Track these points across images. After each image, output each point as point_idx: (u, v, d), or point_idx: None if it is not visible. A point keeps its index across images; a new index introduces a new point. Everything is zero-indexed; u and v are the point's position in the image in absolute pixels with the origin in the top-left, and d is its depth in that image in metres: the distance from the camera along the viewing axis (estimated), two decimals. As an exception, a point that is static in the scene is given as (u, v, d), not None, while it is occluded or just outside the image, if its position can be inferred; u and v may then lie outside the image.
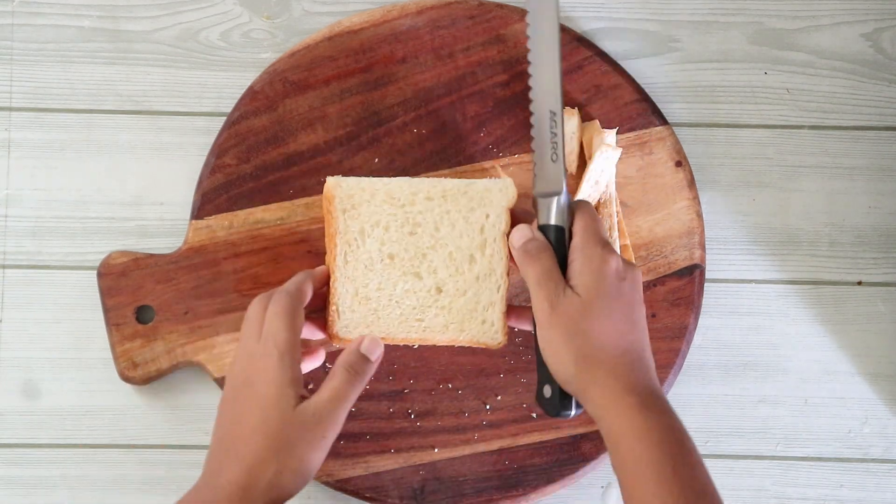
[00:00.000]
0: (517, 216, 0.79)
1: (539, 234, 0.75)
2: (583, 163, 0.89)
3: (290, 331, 0.74)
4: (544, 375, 0.74)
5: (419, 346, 0.88)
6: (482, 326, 0.81)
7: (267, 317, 0.75)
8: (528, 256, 0.74)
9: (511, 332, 0.88)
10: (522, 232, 0.76)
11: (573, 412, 0.74)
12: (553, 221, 0.75)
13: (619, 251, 0.87)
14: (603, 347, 0.71)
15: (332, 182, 0.82)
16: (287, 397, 0.72)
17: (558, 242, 0.75)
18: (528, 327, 0.80)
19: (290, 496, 0.72)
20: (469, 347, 0.87)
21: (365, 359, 0.76)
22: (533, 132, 0.78)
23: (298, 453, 0.72)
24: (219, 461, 0.73)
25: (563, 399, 0.74)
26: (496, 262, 0.81)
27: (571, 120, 0.88)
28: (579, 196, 0.87)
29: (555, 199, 0.75)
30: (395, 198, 0.81)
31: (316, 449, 0.73)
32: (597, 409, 0.71)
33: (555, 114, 0.77)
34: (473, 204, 0.81)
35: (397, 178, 0.81)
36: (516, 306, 0.81)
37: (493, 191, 0.81)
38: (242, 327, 0.77)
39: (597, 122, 0.89)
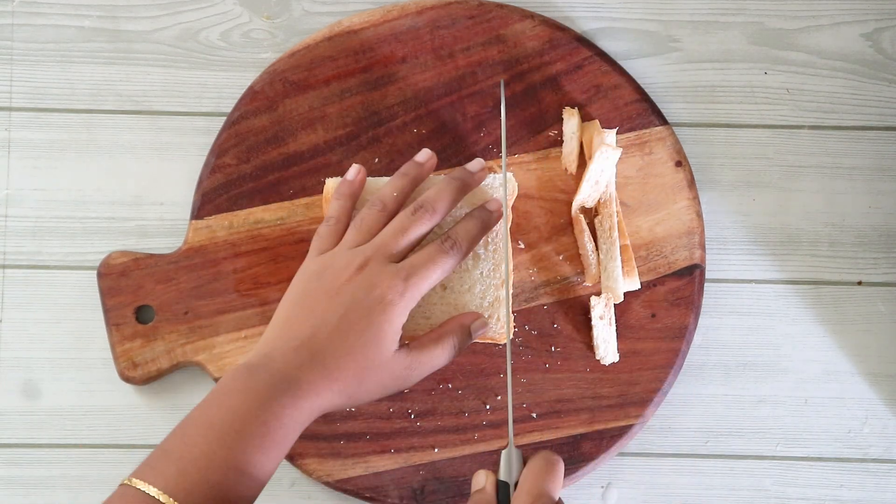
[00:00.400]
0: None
1: (489, 485, 0.70)
2: (583, 163, 0.89)
3: (433, 284, 0.77)
4: None
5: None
6: (488, 322, 0.81)
7: (421, 255, 0.77)
8: None
9: (515, 329, 0.88)
10: (478, 480, 0.71)
11: None
12: (501, 477, 0.71)
13: (618, 251, 0.87)
14: None
15: (331, 183, 0.82)
16: (395, 343, 0.75)
17: (504, 496, 0.70)
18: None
19: (331, 408, 0.75)
20: (469, 347, 0.87)
21: (470, 336, 0.79)
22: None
23: (373, 392, 0.75)
24: (300, 355, 0.73)
25: None
26: (500, 258, 0.81)
27: (571, 120, 0.88)
28: (579, 196, 0.87)
29: (503, 455, 0.70)
30: None
31: (384, 391, 0.76)
32: None
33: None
34: (475, 200, 0.81)
35: None
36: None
37: (495, 186, 0.81)
38: (373, 217, 0.79)
39: (597, 122, 0.89)
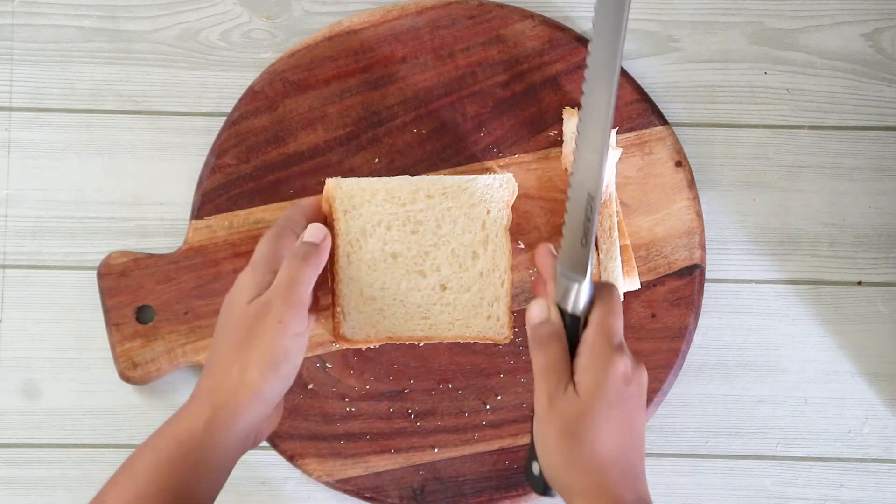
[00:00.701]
0: (539, 268, 0.76)
1: (555, 316, 0.71)
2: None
3: (268, 245, 0.75)
4: (535, 453, 0.73)
5: (420, 345, 0.88)
6: (487, 322, 0.81)
7: (282, 275, 0.74)
8: (537, 342, 0.71)
9: (511, 331, 0.88)
10: (539, 309, 0.72)
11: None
12: (569, 308, 0.71)
13: (618, 251, 0.87)
14: (594, 455, 0.68)
15: (331, 183, 0.82)
16: (246, 296, 0.72)
17: (572, 329, 0.72)
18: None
19: (262, 393, 0.71)
20: (469, 347, 0.87)
21: (308, 244, 0.75)
22: (568, 205, 0.74)
23: (257, 343, 0.71)
24: (197, 387, 0.73)
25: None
26: (499, 258, 0.81)
27: (571, 120, 0.88)
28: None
29: (575, 286, 0.71)
30: (396, 197, 0.81)
31: (272, 336, 0.71)
32: None
33: (593, 198, 0.72)
34: (474, 200, 0.81)
35: (397, 177, 0.82)
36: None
37: (494, 186, 0.81)
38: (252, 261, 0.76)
39: (597, 122, 0.89)
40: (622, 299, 0.87)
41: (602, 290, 0.72)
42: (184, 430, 0.70)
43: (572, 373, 0.70)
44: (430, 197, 0.81)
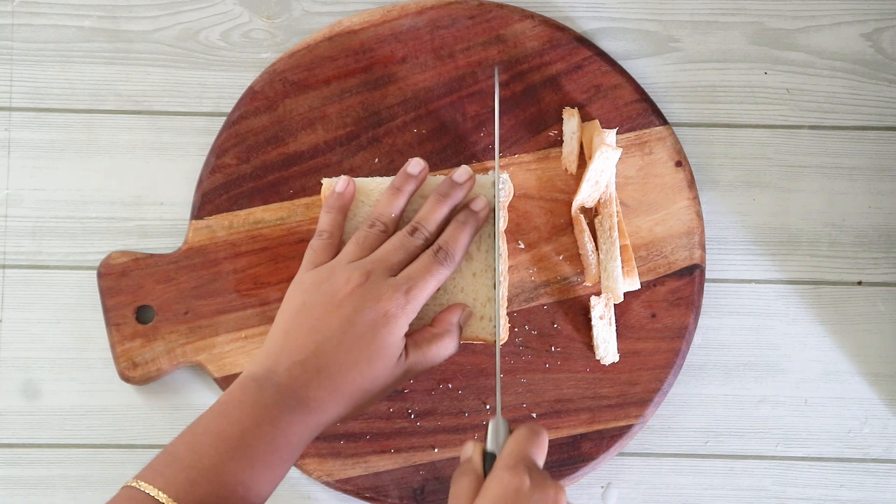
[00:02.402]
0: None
1: (476, 454, 0.70)
2: (583, 162, 0.89)
3: (430, 292, 0.78)
4: None
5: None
6: (481, 322, 0.81)
7: (419, 267, 0.78)
8: (454, 477, 0.70)
9: (511, 331, 0.88)
10: (466, 449, 0.71)
11: None
12: (489, 447, 0.71)
13: (618, 251, 0.87)
14: None
15: (328, 183, 0.82)
16: (397, 353, 0.76)
17: (490, 466, 0.70)
18: None
19: (338, 418, 0.76)
20: (469, 347, 0.87)
21: (461, 330, 0.80)
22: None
23: (377, 400, 0.77)
24: (307, 371, 0.74)
25: None
26: (492, 259, 0.81)
27: (571, 120, 0.88)
28: (579, 196, 0.87)
29: (491, 425, 0.71)
30: None
31: (385, 397, 0.79)
32: None
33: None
34: (473, 193, 0.81)
35: (392, 176, 0.82)
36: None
37: (488, 186, 0.81)
38: (372, 235, 0.80)
39: (597, 122, 0.89)
40: (622, 299, 0.87)
41: (520, 426, 0.71)
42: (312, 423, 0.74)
43: None
44: (423, 197, 0.81)
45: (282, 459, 0.72)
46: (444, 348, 0.79)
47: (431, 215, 0.80)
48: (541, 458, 0.69)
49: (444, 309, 0.81)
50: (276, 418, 0.72)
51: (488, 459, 0.70)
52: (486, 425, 0.71)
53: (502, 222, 0.80)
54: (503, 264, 0.80)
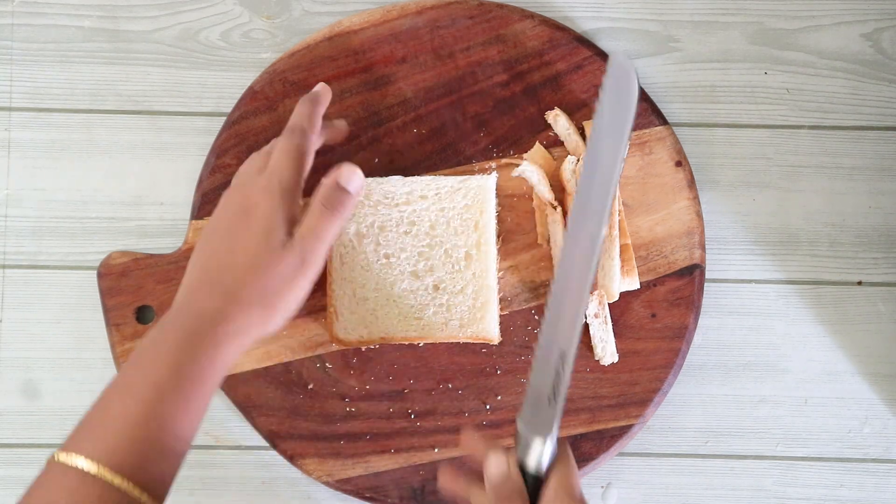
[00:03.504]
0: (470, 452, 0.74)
1: (515, 475, 0.68)
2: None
3: (295, 171, 0.75)
4: None
5: (420, 345, 0.88)
6: (481, 323, 0.81)
7: (274, 152, 0.76)
8: (497, 499, 0.68)
9: (511, 331, 0.88)
10: (499, 468, 0.68)
11: None
12: (531, 467, 0.68)
13: (617, 250, 0.87)
14: None
15: (327, 182, 0.82)
16: (279, 232, 0.73)
17: (533, 485, 0.69)
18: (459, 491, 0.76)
19: (267, 334, 0.73)
20: (469, 347, 0.87)
21: (342, 190, 0.75)
22: (536, 358, 0.70)
23: (282, 290, 0.72)
24: (201, 288, 0.73)
25: None
26: (492, 259, 0.81)
27: (559, 120, 0.88)
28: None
29: (538, 443, 0.68)
30: (390, 198, 0.81)
31: (297, 287, 0.73)
32: None
33: (565, 355, 0.69)
34: (468, 201, 0.82)
35: (391, 177, 0.82)
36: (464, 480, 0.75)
37: (486, 187, 0.81)
38: (250, 158, 0.78)
39: (597, 122, 0.89)
40: (616, 298, 0.87)
41: (562, 448, 0.70)
42: (199, 344, 0.70)
43: None
44: (423, 198, 0.82)
45: (196, 388, 0.69)
46: (321, 225, 0.74)
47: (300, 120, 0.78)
48: (580, 486, 0.69)
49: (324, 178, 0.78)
50: (181, 347, 0.69)
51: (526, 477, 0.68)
52: (516, 432, 0.68)
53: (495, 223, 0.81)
54: (499, 263, 0.80)
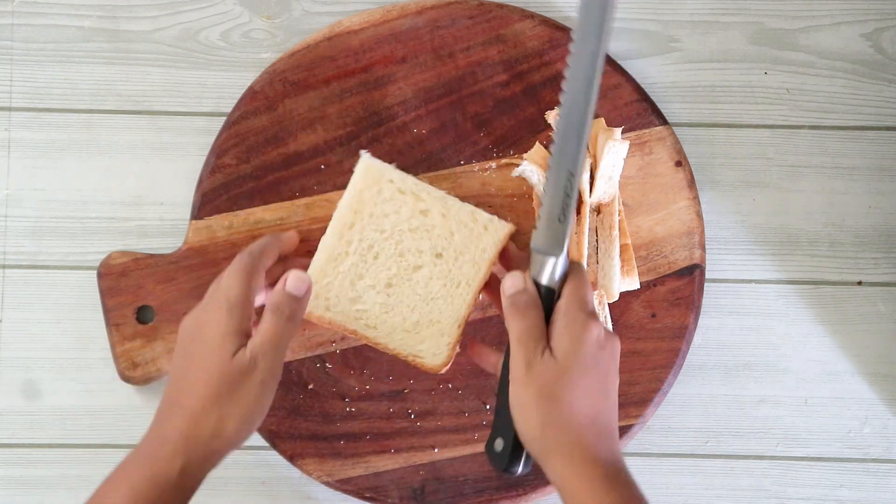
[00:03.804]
0: (512, 258, 0.79)
1: (531, 287, 0.73)
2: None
3: (243, 286, 0.74)
4: (500, 427, 0.74)
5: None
6: (424, 346, 0.80)
7: (224, 273, 0.76)
8: (514, 309, 0.73)
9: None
10: (514, 281, 0.74)
11: (520, 470, 0.74)
12: (544, 282, 0.73)
13: (617, 250, 0.87)
14: (572, 414, 0.70)
15: (366, 161, 0.80)
16: (228, 344, 0.73)
17: (547, 300, 0.73)
18: (488, 368, 0.80)
19: (235, 445, 0.73)
20: (468, 346, 0.87)
21: (292, 297, 0.75)
22: (547, 182, 0.75)
23: (239, 399, 0.72)
24: (165, 413, 0.73)
25: (512, 455, 0.73)
26: (459, 302, 0.80)
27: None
28: (595, 194, 0.87)
29: (551, 261, 0.73)
30: (404, 198, 0.80)
31: (256, 395, 0.73)
32: (558, 477, 0.70)
33: (573, 175, 0.74)
34: (473, 236, 0.80)
35: (419, 183, 0.80)
36: (480, 345, 0.80)
37: (478, 231, 0.80)
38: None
39: (601, 119, 0.89)
40: (616, 298, 0.87)
41: (572, 264, 0.75)
42: (159, 475, 0.71)
43: (548, 339, 0.72)
44: (424, 213, 0.80)
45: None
46: (272, 334, 0.74)
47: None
48: (593, 300, 0.74)
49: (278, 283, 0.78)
50: (152, 481, 0.71)
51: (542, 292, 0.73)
52: (530, 255, 0.73)
53: (483, 275, 0.80)
54: (467, 308, 0.80)
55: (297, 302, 0.76)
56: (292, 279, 0.76)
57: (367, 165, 0.80)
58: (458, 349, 0.80)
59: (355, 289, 0.80)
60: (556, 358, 0.71)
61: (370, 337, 0.80)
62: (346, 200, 0.80)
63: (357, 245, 0.80)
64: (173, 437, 0.72)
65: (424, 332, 0.80)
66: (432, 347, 0.80)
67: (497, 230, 0.80)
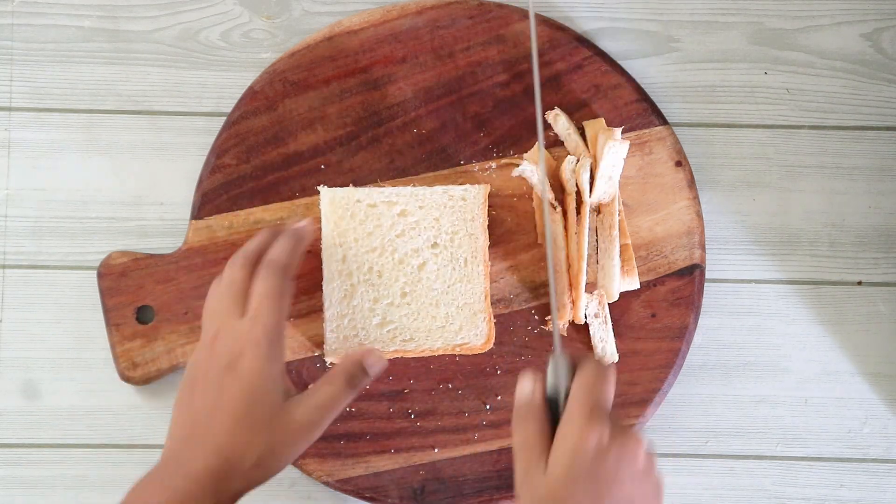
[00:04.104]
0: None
1: (538, 394, 0.68)
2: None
3: (279, 313, 0.72)
4: None
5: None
6: (463, 333, 0.81)
7: (255, 296, 0.72)
8: (515, 420, 0.68)
9: (511, 331, 0.88)
10: (524, 387, 0.69)
11: None
12: (550, 388, 0.68)
13: (617, 250, 0.87)
14: None
15: (325, 192, 0.82)
16: (276, 393, 0.70)
17: (555, 404, 0.68)
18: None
19: (256, 486, 0.71)
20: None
21: (364, 372, 0.73)
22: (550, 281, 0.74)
23: (280, 452, 0.70)
24: (190, 446, 0.70)
25: None
26: (482, 270, 0.80)
27: (559, 119, 0.88)
28: (595, 194, 0.87)
29: (550, 364, 0.68)
30: (379, 214, 0.82)
31: (297, 451, 0.71)
32: None
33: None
34: (454, 216, 0.82)
35: (369, 188, 0.82)
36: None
37: (474, 199, 0.81)
38: (218, 291, 0.74)
39: (601, 119, 0.89)
40: (616, 298, 0.87)
41: (583, 360, 0.69)
42: None
43: (550, 449, 0.67)
44: (404, 214, 0.82)
45: None
46: (331, 397, 0.72)
47: (280, 253, 0.75)
48: (610, 401, 0.66)
49: (350, 353, 0.76)
50: None
51: (549, 401, 0.67)
52: (546, 365, 0.68)
53: (483, 238, 0.81)
54: (482, 277, 0.80)
55: (366, 378, 0.73)
56: (372, 358, 0.73)
57: (331, 197, 0.82)
58: (494, 320, 0.80)
59: (376, 313, 0.81)
60: (548, 471, 0.65)
61: (412, 350, 0.80)
62: (327, 238, 0.82)
63: (357, 273, 0.82)
64: (201, 476, 0.68)
65: (457, 319, 0.81)
66: (472, 329, 0.80)
67: (476, 195, 0.82)
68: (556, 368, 0.68)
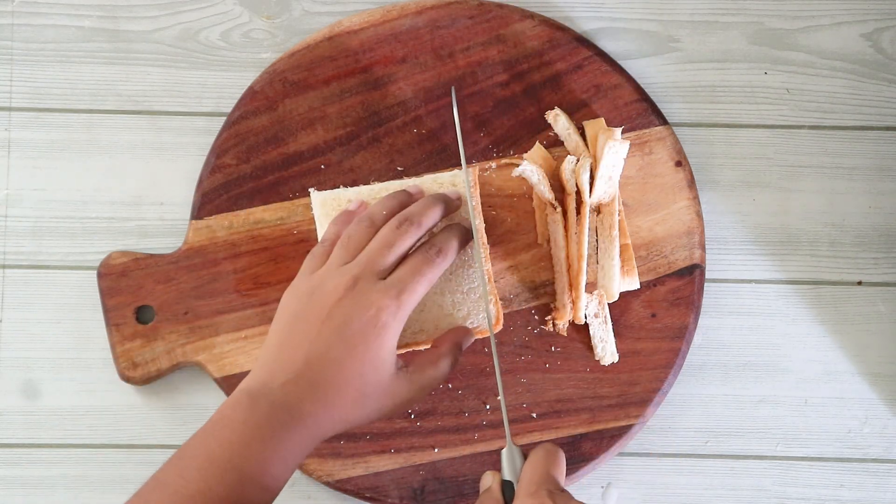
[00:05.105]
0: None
1: (496, 484, 0.70)
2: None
3: (421, 294, 0.75)
4: None
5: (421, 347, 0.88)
6: (472, 317, 0.81)
7: (408, 266, 0.75)
8: None
9: (510, 331, 0.88)
10: (484, 481, 0.72)
11: None
12: (505, 475, 0.71)
13: (617, 250, 0.87)
14: None
15: (315, 196, 0.82)
16: (392, 364, 0.74)
17: (510, 494, 0.70)
18: None
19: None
20: (469, 346, 0.87)
21: (461, 352, 0.78)
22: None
23: (376, 416, 0.74)
24: (298, 393, 0.71)
25: None
26: (478, 256, 0.80)
27: (560, 119, 0.89)
28: (595, 194, 0.87)
29: (504, 455, 0.71)
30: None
31: (384, 417, 0.75)
32: None
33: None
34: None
35: (359, 187, 0.81)
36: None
37: (457, 184, 0.81)
38: (370, 247, 0.76)
39: (601, 119, 0.89)
40: (616, 298, 0.87)
41: (534, 450, 0.71)
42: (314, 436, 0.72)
43: None
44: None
45: (274, 477, 0.70)
46: (435, 378, 0.76)
47: (422, 210, 0.77)
48: (561, 478, 0.69)
49: (448, 330, 0.79)
50: (267, 436, 0.69)
51: (507, 488, 0.70)
52: (500, 452, 0.71)
53: (478, 221, 0.80)
54: (486, 260, 0.80)
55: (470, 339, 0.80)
56: (469, 337, 0.80)
57: (322, 200, 0.81)
58: (499, 302, 0.81)
59: None
60: None
61: (424, 340, 0.80)
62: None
63: None
64: (309, 423, 0.71)
65: (464, 305, 0.80)
66: (480, 313, 0.80)
67: (465, 179, 0.81)
68: (510, 458, 0.71)
